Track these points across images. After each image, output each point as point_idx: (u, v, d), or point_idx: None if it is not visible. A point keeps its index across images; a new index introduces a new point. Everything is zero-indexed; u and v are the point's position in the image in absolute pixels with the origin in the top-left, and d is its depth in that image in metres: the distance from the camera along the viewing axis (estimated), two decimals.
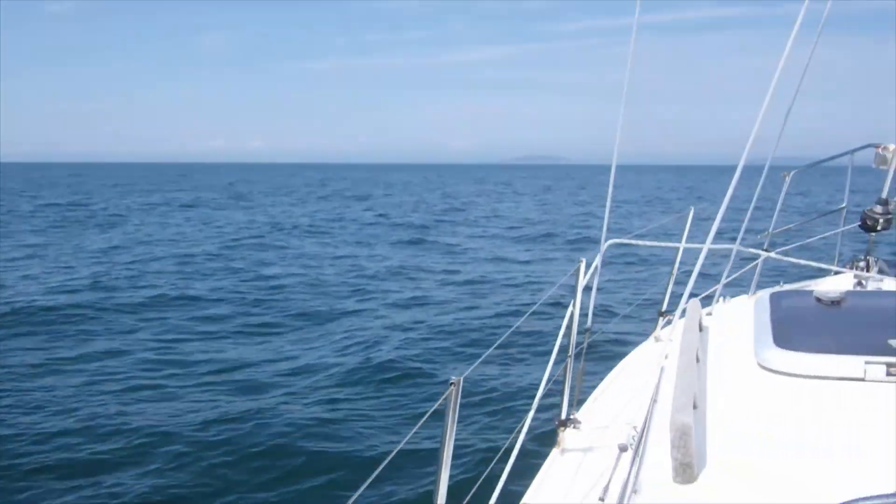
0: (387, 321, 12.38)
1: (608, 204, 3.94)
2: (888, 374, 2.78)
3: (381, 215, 36.68)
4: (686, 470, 2.21)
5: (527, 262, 19.70)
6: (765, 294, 3.99)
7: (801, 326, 3.33)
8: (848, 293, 3.73)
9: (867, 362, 2.82)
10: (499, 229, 29.92)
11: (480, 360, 2.75)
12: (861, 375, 2.81)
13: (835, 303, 3.62)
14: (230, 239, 25.01)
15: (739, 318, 3.66)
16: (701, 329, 3.66)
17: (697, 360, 3.05)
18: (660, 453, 2.32)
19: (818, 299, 3.68)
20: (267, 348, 10.80)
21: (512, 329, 3.87)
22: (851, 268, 5.15)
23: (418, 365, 9.67)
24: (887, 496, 1.57)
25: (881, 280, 4.92)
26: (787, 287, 4.80)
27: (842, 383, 2.81)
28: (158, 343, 10.93)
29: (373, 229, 29.54)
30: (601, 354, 7.36)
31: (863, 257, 5.32)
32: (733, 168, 3.27)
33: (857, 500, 1.56)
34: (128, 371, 9.47)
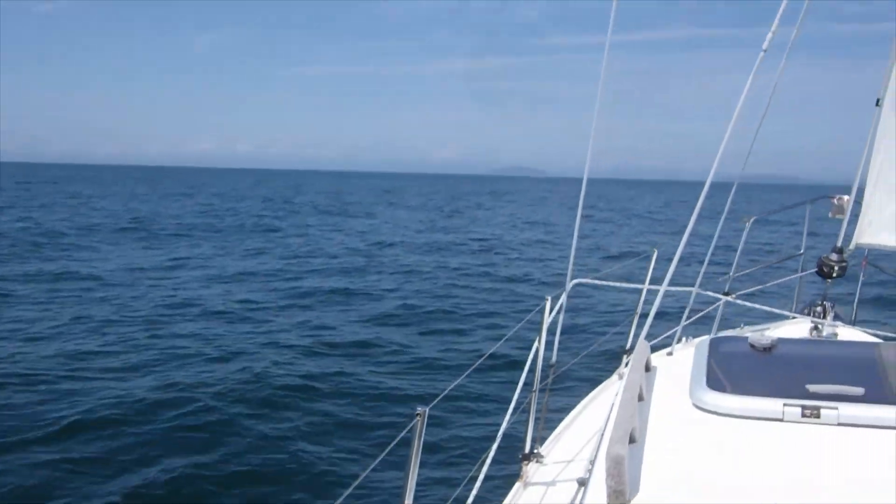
0: None
1: (574, 241, 4.08)
2: (803, 415, 2.99)
3: None
4: (618, 497, 2.37)
5: None
6: (706, 339, 4.19)
7: (732, 370, 3.56)
8: (780, 340, 3.94)
9: (785, 404, 3.02)
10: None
11: (446, 392, 2.84)
12: (780, 416, 3.02)
13: (766, 349, 3.85)
14: None
15: (688, 360, 3.85)
16: (648, 368, 3.84)
17: (641, 398, 3.23)
18: (601, 483, 2.47)
19: (752, 345, 3.90)
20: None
21: (479, 362, 3.98)
22: (808, 313, 5.33)
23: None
24: None
25: (836, 325, 5.11)
26: (730, 332, 5.03)
27: (763, 423, 3.02)
28: None
29: None
30: (567, 390, 7.46)
31: (819, 302, 5.50)
32: (719, 184, 3.45)
33: None
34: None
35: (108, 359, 11.25)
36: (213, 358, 11.48)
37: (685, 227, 3.92)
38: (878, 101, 5.20)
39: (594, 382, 4.56)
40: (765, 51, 4.00)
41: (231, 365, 11.04)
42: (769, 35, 4.00)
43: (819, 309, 5.44)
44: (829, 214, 5.62)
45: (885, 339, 4.99)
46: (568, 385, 8.08)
